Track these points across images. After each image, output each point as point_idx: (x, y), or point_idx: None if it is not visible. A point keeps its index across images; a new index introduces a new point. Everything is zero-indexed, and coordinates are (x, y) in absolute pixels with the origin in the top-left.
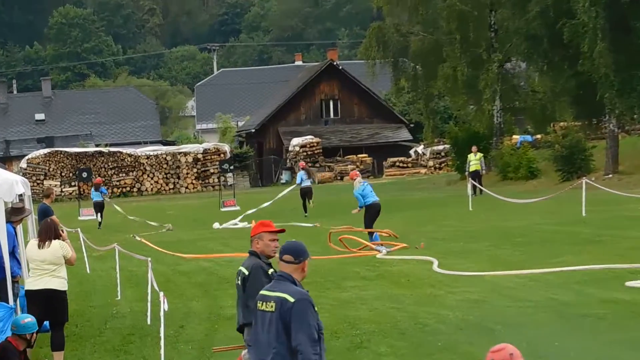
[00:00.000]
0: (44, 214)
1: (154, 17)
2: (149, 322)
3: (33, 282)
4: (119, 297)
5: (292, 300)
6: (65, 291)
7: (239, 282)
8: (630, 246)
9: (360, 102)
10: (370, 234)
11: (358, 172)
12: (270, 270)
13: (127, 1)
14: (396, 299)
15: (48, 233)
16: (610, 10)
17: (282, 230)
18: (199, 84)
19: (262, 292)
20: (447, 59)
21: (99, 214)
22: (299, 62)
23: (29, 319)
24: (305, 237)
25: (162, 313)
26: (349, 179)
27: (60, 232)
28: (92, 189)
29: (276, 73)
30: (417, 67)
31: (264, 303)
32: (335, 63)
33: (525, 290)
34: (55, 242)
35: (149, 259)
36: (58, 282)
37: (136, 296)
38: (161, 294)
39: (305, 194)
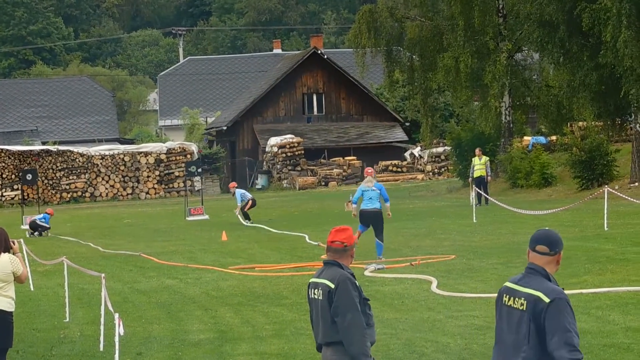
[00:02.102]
0: None
1: None
2: (101, 349)
3: None
4: (68, 319)
5: (547, 300)
6: (12, 313)
7: (321, 296)
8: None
9: (348, 96)
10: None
11: (371, 170)
12: (356, 281)
13: None
14: (389, 324)
15: None
16: None
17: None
18: (162, 73)
19: (510, 285)
20: (448, 47)
21: (34, 233)
22: (277, 50)
23: None
24: (287, 246)
25: (117, 338)
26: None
27: (11, 243)
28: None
29: (251, 62)
30: (414, 57)
31: (512, 299)
32: (319, 51)
33: None
34: (5, 256)
35: (103, 274)
36: (5, 302)
37: (88, 318)
38: (116, 315)
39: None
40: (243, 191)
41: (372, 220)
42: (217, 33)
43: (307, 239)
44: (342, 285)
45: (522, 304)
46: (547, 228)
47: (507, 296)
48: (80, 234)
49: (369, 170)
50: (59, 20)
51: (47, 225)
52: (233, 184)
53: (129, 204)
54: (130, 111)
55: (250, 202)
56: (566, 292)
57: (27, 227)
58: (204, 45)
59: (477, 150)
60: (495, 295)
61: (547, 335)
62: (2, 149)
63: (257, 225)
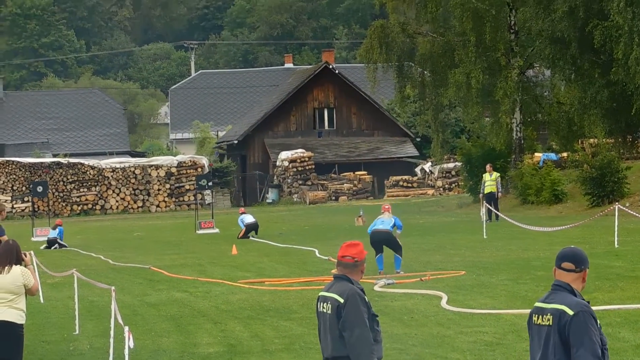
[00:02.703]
0: None
1: (123, 10)
2: None
3: None
4: (77, 332)
5: (570, 312)
6: (22, 325)
7: (329, 310)
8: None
9: (359, 111)
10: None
11: (389, 207)
12: (366, 297)
13: None
14: (398, 339)
15: (8, 257)
16: None
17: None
18: (173, 87)
19: (538, 304)
20: (459, 63)
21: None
22: (289, 65)
23: None
24: (297, 260)
25: (126, 351)
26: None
27: (23, 255)
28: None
29: (263, 76)
30: (425, 72)
31: (540, 316)
32: (331, 66)
33: None
34: (17, 268)
35: (113, 287)
36: (16, 314)
37: (97, 331)
38: (126, 328)
39: (254, 229)
40: (243, 217)
41: (383, 241)
42: (228, 47)
43: (317, 253)
44: (352, 300)
45: (548, 319)
46: (572, 246)
47: (537, 315)
48: (91, 246)
49: (387, 207)
50: (71, 33)
51: (66, 245)
52: (241, 209)
53: (139, 217)
54: (141, 124)
55: (243, 230)
56: None
57: (46, 244)
58: (216, 59)
59: (487, 167)
60: (506, 311)
61: (572, 348)
62: (13, 161)
63: (260, 240)
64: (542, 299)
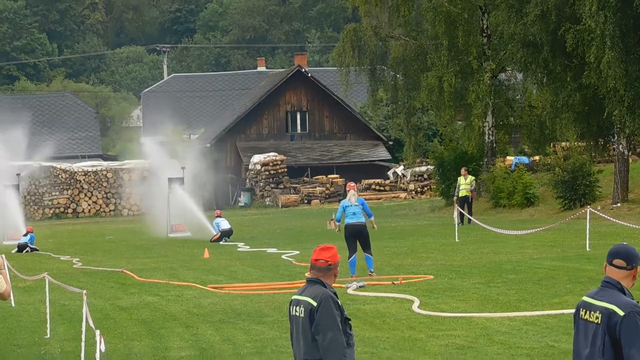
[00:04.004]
0: None
1: (95, 13)
2: None
3: None
4: (49, 336)
5: (621, 313)
6: None
7: (302, 314)
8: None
9: (331, 115)
10: (349, 255)
11: (354, 185)
12: (339, 301)
13: None
14: (370, 343)
15: None
16: (620, 14)
17: None
18: (146, 90)
19: (587, 299)
20: (432, 67)
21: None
22: (262, 68)
23: None
24: (269, 264)
25: (98, 355)
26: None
27: None
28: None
29: (235, 80)
30: (398, 76)
31: (588, 312)
32: (303, 70)
33: (520, 336)
34: None
35: (84, 291)
36: None
37: (69, 334)
38: (97, 332)
39: (228, 235)
40: (219, 221)
41: (358, 234)
42: (201, 50)
43: (286, 256)
44: (325, 303)
45: (597, 317)
46: (624, 243)
47: (584, 310)
48: (63, 250)
49: (352, 185)
50: (43, 36)
51: (37, 248)
52: (217, 212)
53: (111, 221)
54: (114, 128)
55: (218, 235)
56: (546, 312)
57: (16, 249)
58: (188, 62)
59: (462, 170)
60: (477, 314)
61: (624, 349)
62: None
63: (232, 243)
64: (590, 294)
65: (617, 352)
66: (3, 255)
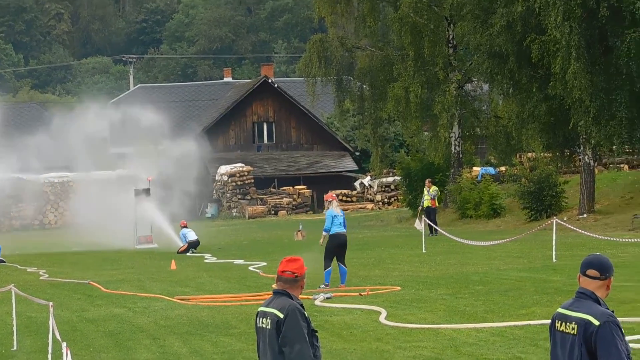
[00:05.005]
0: None
1: (61, 24)
2: None
3: None
4: (15, 348)
5: (597, 323)
6: None
7: (269, 326)
8: (608, 298)
9: (298, 125)
10: (326, 266)
11: (335, 196)
12: (305, 312)
13: (31, 4)
14: (337, 355)
15: None
16: (586, 25)
17: None
18: (112, 101)
19: (562, 311)
20: (398, 78)
21: None
22: (228, 79)
23: None
24: (236, 275)
25: None
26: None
27: None
28: None
29: (202, 90)
30: (364, 86)
31: (564, 323)
32: (270, 80)
33: (487, 347)
34: None
35: (51, 303)
36: None
37: (35, 347)
38: (64, 344)
39: (195, 247)
40: (186, 232)
41: (343, 244)
42: (167, 61)
43: (253, 268)
44: (292, 315)
45: (573, 328)
46: (598, 253)
47: (559, 322)
48: (29, 261)
49: (333, 195)
50: (9, 46)
51: (4, 260)
52: (183, 222)
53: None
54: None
55: (186, 246)
56: (513, 323)
57: None
58: (155, 72)
59: (427, 182)
60: (444, 326)
61: (600, 358)
62: None
63: (199, 255)
64: (565, 306)
65: None
66: None
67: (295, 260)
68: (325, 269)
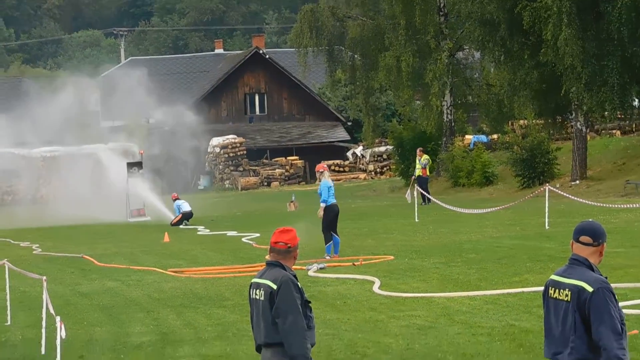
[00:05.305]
0: None
1: None
2: (43, 352)
3: None
4: (9, 322)
5: (590, 289)
6: None
7: (262, 297)
8: (600, 264)
9: (290, 96)
10: (328, 239)
11: (326, 166)
12: (300, 283)
13: None
14: (331, 325)
15: None
16: None
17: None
18: (104, 74)
19: (555, 278)
20: (389, 47)
21: None
22: (219, 50)
23: None
24: (230, 247)
25: (58, 341)
26: (318, 170)
27: None
28: None
29: (193, 62)
30: (356, 56)
31: (557, 290)
32: (261, 51)
33: (480, 315)
34: None
35: (44, 277)
36: None
37: (29, 321)
38: (58, 318)
39: (188, 218)
40: (180, 203)
41: (337, 215)
42: (158, 33)
43: (246, 239)
44: (285, 286)
45: (566, 295)
46: (590, 220)
47: (553, 288)
48: (22, 236)
49: (325, 166)
50: None
51: None
52: (174, 195)
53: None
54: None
55: (180, 216)
56: (506, 290)
57: None
58: (146, 45)
59: (418, 151)
60: (437, 294)
61: (593, 325)
62: None
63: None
64: (559, 272)
65: (588, 329)
66: None
67: (288, 231)
68: (327, 243)
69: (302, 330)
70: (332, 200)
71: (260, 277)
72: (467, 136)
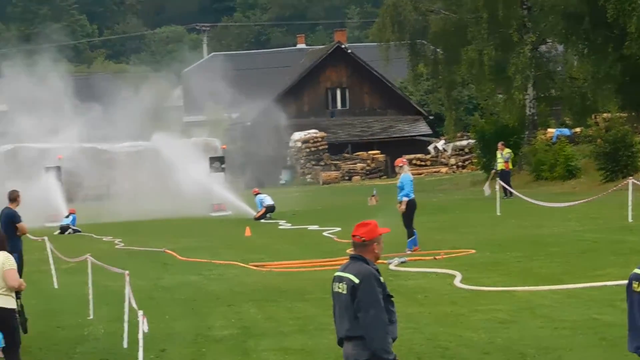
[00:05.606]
0: (10, 220)
1: None
2: (125, 346)
3: None
4: (92, 317)
5: None
6: (13, 310)
7: (344, 291)
8: None
9: (371, 90)
10: (410, 234)
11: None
12: (381, 278)
13: None
14: (412, 319)
15: None
16: None
17: (389, 230)
18: (186, 70)
19: (638, 271)
20: (472, 40)
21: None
22: (301, 45)
23: None
24: (311, 241)
25: (140, 335)
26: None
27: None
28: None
29: (275, 57)
30: (438, 50)
31: (639, 283)
32: (343, 46)
33: (562, 309)
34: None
35: (127, 272)
36: (5, 300)
37: (111, 315)
38: (140, 312)
39: (271, 211)
40: (263, 197)
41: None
42: (240, 29)
43: (328, 233)
44: (366, 280)
45: None
46: None
47: (637, 282)
48: (104, 231)
49: (404, 160)
50: (83, 17)
51: (79, 229)
52: (255, 190)
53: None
54: (154, 108)
55: (263, 210)
56: (589, 284)
57: (59, 230)
58: (228, 41)
59: (499, 144)
60: (519, 288)
61: None
62: (26, 147)
63: (274, 221)
64: None
65: None
66: (45, 238)
67: (365, 225)
68: (410, 237)
69: (383, 325)
70: (413, 195)
71: (343, 270)
72: (549, 129)
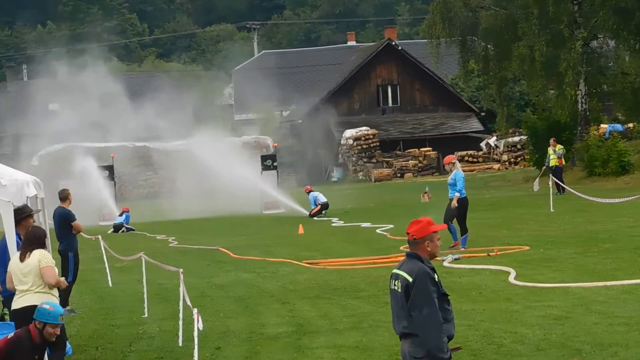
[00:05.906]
0: (64, 219)
1: None
2: (180, 344)
3: (16, 299)
4: (146, 315)
5: None
6: None
7: (399, 289)
8: None
9: (422, 87)
10: (463, 231)
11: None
12: (436, 276)
13: None
14: (466, 315)
15: (32, 242)
16: None
17: (445, 226)
18: (236, 68)
19: None
20: (523, 36)
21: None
22: (352, 43)
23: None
24: (363, 238)
25: (195, 333)
26: (447, 162)
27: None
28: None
29: (326, 55)
30: (489, 46)
31: None
32: (393, 43)
33: (618, 305)
34: (36, 253)
35: (181, 270)
36: (44, 298)
37: (166, 313)
38: (194, 310)
39: (326, 208)
40: (316, 194)
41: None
42: (291, 26)
43: (381, 231)
44: (420, 279)
45: None
46: None
47: None
48: (158, 229)
49: (454, 157)
50: (133, 16)
51: (133, 228)
52: (307, 187)
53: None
54: (205, 106)
55: (319, 207)
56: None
57: (112, 229)
58: (278, 38)
59: (551, 141)
60: (573, 284)
61: None
62: (79, 146)
63: (330, 219)
64: None
65: None
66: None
67: (417, 223)
68: (463, 234)
69: (437, 324)
70: (465, 193)
71: (399, 268)
72: (602, 125)
